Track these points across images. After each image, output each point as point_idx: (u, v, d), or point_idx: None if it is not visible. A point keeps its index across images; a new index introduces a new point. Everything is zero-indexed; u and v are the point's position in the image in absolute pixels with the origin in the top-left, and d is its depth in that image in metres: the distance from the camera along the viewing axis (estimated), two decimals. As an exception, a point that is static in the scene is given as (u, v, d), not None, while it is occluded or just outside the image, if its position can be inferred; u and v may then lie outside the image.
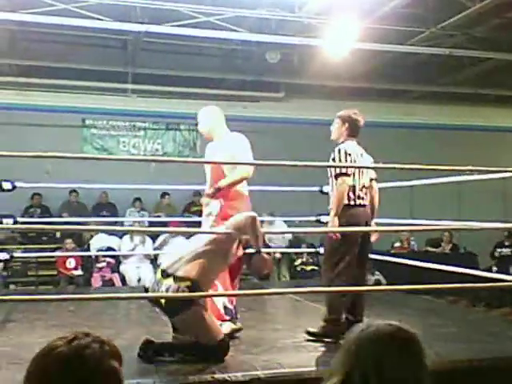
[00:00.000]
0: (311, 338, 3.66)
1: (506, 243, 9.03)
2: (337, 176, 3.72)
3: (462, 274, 4.54)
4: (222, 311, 3.74)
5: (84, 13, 7.02)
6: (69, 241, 7.87)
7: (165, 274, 3.16)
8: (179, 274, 3.11)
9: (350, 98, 10.22)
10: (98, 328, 4.08)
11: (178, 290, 3.07)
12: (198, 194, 9.14)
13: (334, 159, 3.79)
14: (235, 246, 3.36)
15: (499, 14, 7.42)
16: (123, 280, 7.88)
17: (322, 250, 6.76)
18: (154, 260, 8.15)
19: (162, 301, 3.11)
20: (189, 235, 8.29)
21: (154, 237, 8.23)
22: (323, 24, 7.23)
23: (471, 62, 9.16)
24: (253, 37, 7.70)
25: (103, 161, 8.51)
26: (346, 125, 3.92)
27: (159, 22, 7.36)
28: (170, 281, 3.11)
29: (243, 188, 4.02)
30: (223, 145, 4.02)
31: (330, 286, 3.70)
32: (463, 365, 3.16)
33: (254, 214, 3.36)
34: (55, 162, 7.22)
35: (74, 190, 9.01)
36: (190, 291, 3.07)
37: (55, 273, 8.02)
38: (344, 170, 3.71)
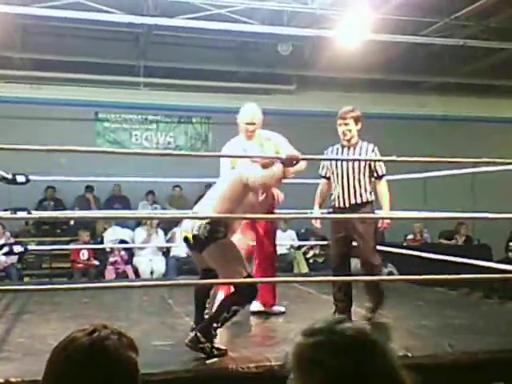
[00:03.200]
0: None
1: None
2: (382, 176, 4.05)
3: (475, 265, 4.50)
4: None
5: (96, 6, 7.02)
6: (83, 233, 7.92)
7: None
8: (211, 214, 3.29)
9: (362, 89, 10.17)
10: (112, 319, 4.10)
11: (200, 227, 3.21)
12: (210, 186, 9.15)
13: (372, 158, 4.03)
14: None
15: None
16: (136, 272, 7.91)
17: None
18: (166, 252, 8.19)
19: (190, 235, 3.26)
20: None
21: (166, 229, 8.26)
22: (336, 15, 7.17)
23: (485, 52, 9.05)
24: (265, 29, 7.67)
25: (116, 154, 8.55)
26: (359, 125, 4.12)
27: (171, 15, 7.34)
28: (196, 221, 3.27)
29: None
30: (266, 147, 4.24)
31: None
32: (478, 357, 3.13)
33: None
34: (68, 155, 7.28)
35: (89, 186, 9.02)
36: (210, 227, 3.20)
37: (69, 265, 8.08)
38: (385, 171, 4.05)
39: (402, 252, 5.52)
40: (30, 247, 6.55)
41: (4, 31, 7.57)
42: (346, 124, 4.05)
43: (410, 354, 3.03)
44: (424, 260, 5.46)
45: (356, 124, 4.06)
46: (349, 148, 4.09)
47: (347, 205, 4.04)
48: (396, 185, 6.18)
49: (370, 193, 4.04)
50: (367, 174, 4.01)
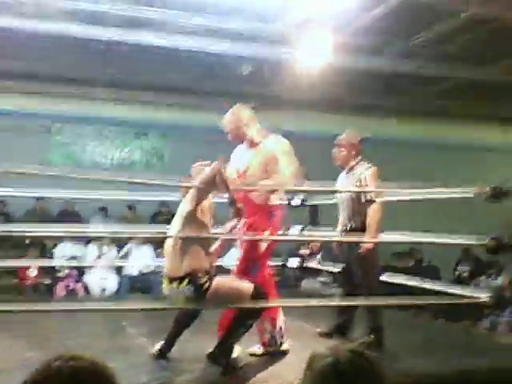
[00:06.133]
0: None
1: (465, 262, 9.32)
2: (371, 200, 4.11)
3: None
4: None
5: (56, 16, 6.97)
6: (32, 250, 7.75)
7: (172, 280, 3.27)
8: (185, 272, 3.21)
9: (321, 110, 10.36)
10: (64, 340, 4.07)
11: (184, 291, 3.20)
12: (165, 204, 9.10)
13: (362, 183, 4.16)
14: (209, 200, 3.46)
15: (471, 31, 7.64)
16: (87, 289, 7.76)
17: (290, 263, 6.87)
18: (118, 270, 8.07)
19: (182, 300, 3.26)
20: (155, 244, 8.26)
21: (119, 246, 8.16)
22: (297, 36, 7.34)
23: (443, 77, 9.36)
24: (225, 47, 7.75)
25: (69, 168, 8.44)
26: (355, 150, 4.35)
27: (130, 28, 7.34)
28: (183, 284, 3.21)
29: None
30: None
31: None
32: (428, 379, 3.26)
33: (217, 164, 3.44)
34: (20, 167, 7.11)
35: (41, 198, 8.82)
36: (204, 280, 3.19)
37: (16, 281, 7.85)
38: (374, 196, 4.13)
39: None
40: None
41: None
42: (339, 151, 4.33)
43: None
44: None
45: (350, 150, 4.31)
46: (347, 172, 4.33)
47: (341, 229, 4.31)
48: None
49: (359, 218, 4.16)
50: (356, 198, 4.18)
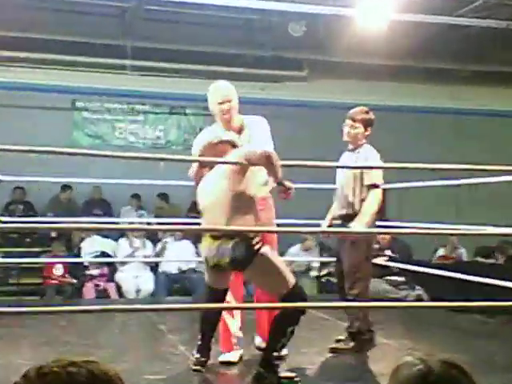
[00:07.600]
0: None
1: None
2: (370, 186, 4.13)
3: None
4: (234, 340, 3.84)
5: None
6: (57, 245, 7.91)
7: (218, 237, 3.35)
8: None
9: (385, 78, 10.21)
10: (94, 348, 4.16)
11: (235, 249, 3.26)
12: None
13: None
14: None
15: None
16: (120, 290, 7.90)
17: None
18: (154, 267, 8.17)
19: (227, 261, 3.31)
20: (195, 238, 8.37)
21: (155, 240, 8.25)
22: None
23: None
24: (274, 5, 7.72)
25: (96, 151, 8.59)
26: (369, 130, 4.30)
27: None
28: (231, 241, 3.28)
29: None
30: None
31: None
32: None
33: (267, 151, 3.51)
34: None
35: (66, 186, 8.96)
36: (246, 242, 3.26)
37: (40, 281, 8.04)
38: (375, 181, 4.13)
39: (433, 272, 5.57)
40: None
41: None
42: (352, 126, 4.23)
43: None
44: (458, 281, 5.50)
45: (365, 128, 4.25)
46: (352, 151, 4.30)
47: (338, 215, 4.33)
48: (424, 192, 6.23)
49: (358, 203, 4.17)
50: (358, 182, 4.17)
